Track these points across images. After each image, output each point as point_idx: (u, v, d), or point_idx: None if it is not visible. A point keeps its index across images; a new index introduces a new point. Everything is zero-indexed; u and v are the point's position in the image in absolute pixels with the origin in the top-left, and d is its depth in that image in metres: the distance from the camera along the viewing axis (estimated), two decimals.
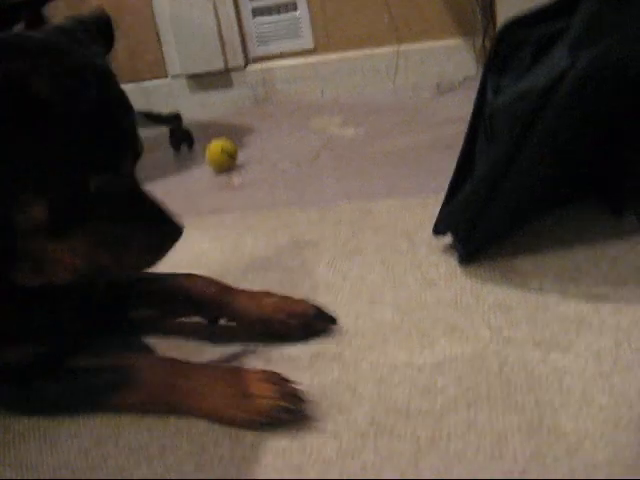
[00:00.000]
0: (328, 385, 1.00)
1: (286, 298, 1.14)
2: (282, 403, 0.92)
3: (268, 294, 1.15)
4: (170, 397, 0.96)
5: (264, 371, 0.97)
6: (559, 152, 1.13)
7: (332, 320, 1.14)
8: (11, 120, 0.81)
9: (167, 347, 1.15)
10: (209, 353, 1.12)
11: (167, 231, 0.97)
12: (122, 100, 0.94)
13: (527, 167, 1.09)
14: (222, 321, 1.16)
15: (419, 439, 0.87)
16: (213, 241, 1.58)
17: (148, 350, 1.16)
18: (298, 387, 0.95)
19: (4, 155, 0.82)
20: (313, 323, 1.12)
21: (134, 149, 0.95)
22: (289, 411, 0.92)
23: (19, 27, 2.36)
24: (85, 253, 0.92)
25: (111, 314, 1.14)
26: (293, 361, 1.07)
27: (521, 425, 0.86)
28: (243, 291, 1.16)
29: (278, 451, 0.88)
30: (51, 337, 1.02)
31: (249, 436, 0.92)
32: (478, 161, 1.18)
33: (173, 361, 1.01)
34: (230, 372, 0.99)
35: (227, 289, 1.16)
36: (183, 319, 1.21)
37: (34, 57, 0.83)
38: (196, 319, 1.18)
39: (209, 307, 1.15)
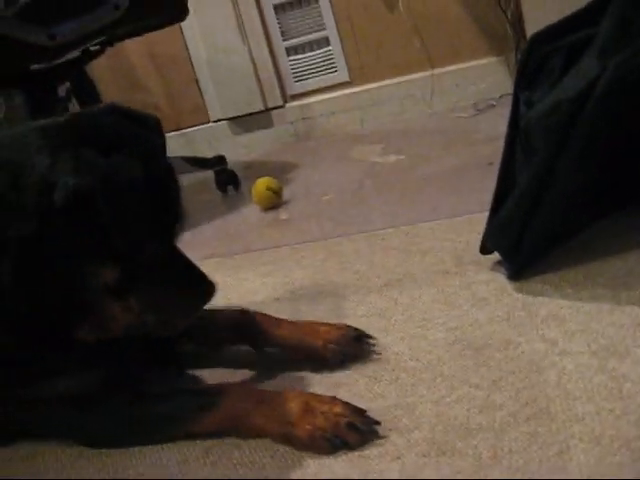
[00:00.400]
0: (386, 409, 1.01)
1: (327, 324, 1.20)
2: (349, 419, 0.95)
3: (310, 322, 1.21)
4: (245, 419, 1.00)
5: (329, 396, 1.00)
6: (597, 160, 1.13)
7: (371, 338, 1.19)
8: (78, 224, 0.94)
9: (215, 378, 1.20)
10: (258, 382, 1.14)
11: (202, 291, 1.07)
12: (172, 181, 1.07)
13: (567, 177, 1.10)
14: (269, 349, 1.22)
15: (480, 456, 0.87)
16: (264, 277, 1.60)
17: (198, 381, 1.20)
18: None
19: (75, 242, 0.96)
20: (352, 346, 1.16)
21: (179, 220, 1.07)
22: (356, 429, 0.94)
23: (64, 88, 2.46)
24: (137, 312, 1.03)
25: (160, 350, 1.21)
26: (350, 386, 1.08)
27: (583, 435, 0.86)
28: (286, 320, 1.22)
29: (340, 476, 0.89)
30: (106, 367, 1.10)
31: (312, 465, 0.93)
32: (518, 175, 1.18)
33: (243, 386, 1.08)
34: (297, 395, 1.01)
35: (271, 319, 1.22)
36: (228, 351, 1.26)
37: (102, 173, 0.94)
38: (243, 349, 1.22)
39: (255, 338, 1.22)
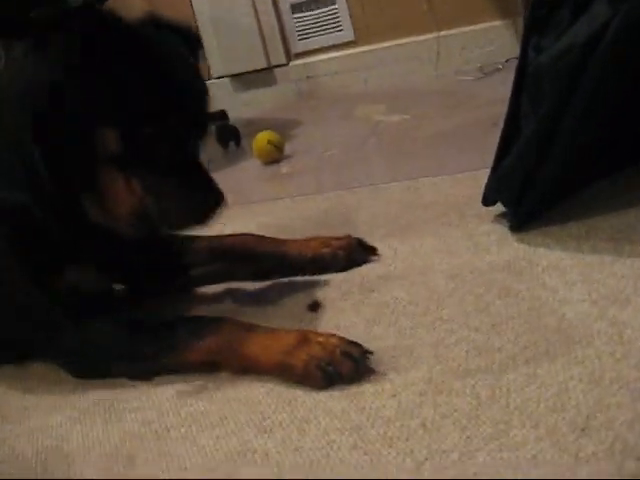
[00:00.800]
0: (384, 349, 1.00)
1: (330, 237, 1.31)
2: (345, 348, 0.94)
3: (314, 237, 1.32)
4: (239, 347, 1.00)
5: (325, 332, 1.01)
6: (606, 108, 1.11)
7: (373, 250, 1.30)
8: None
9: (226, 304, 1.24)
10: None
11: (212, 197, 1.07)
12: (194, 77, 1.10)
13: (574, 125, 1.08)
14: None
15: (478, 395, 0.86)
16: (263, 228, 1.59)
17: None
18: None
19: (90, 95, 1.00)
20: (357, 252, 1.28)
21: (199, 127, 1.10)
22: (351, 358, 0.94)
23: None
24: (139, 196, 1.03)
25: (171, 272, 1.29)
26: (348, 329, 1.08)
27: (582, 377, 0.85)
28: (293, 240, 1.31)
29: (337, 413, 0.89)
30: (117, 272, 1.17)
31: (307, 401, 0.93)
32: (523, 124, 1.17)
33: (236, 321, 1.05)
34: (293, 330, 1.02)
35: (280, 241, 1.31)
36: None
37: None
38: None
39: (267, 258, 1.29)
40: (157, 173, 1.03)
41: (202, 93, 1.10)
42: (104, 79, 1.00)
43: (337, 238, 1.30)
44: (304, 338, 0.97)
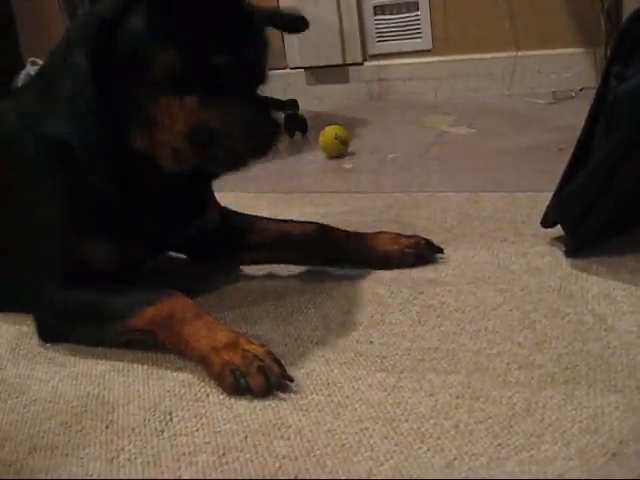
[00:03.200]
0: (426, 350, 1.02)
1: (398, 233, 1.34)
2: (264, 364, 0.95)
3: (384, 232, 1.35)
4: (177, 324, 1.02)
5: (261, 343, 1.00)
6: None
7: (440, 250, 1.32)
8: None
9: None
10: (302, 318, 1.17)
11: (271, 127, 1.10)
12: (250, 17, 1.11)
13: None
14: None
15: (514, 406, 0.87)
16: (320, 219, 1.60)
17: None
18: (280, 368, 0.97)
19: (149, 25, 1.05)
20: (424, 252, 1.31)
21: (257, 53, 1.12)
22: (265, 376, 0.94)
23: None
24: (197, 113, 1.06)
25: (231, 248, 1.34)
26: (394, 326, 1.10)
27: (619, 404, 0.86)
28: (362, 233, 1.34)
29: (373, 403, 0.91)
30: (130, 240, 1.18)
31: (346, 387, 0.95)
32: (595, 150, 1.17)
33: (188, 302, 1.06)
34: (233, 332, 1.01)
35: (350, 233, 1.34)
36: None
37: None
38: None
39: (335, 248, 1.32)
40: (217, 93, 1.05)
41: (265, 43, 1.14)
42: (171, 3, 1.04)
43: (406, 236, 1.33)
44: (234, 342, 0.98)
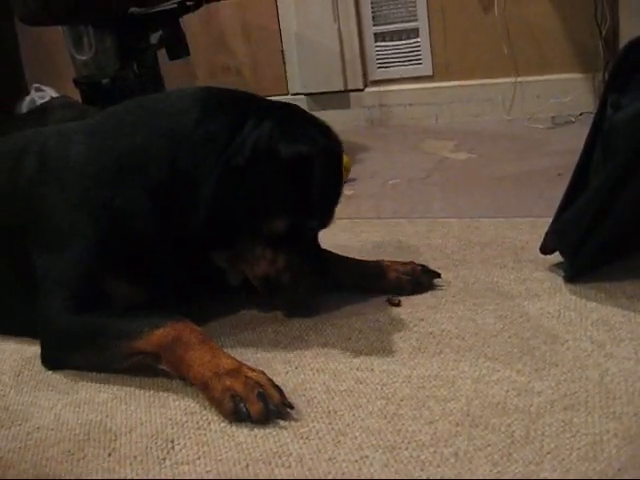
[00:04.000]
0: (426, 378, 1.02)
1: (394, 261, 1.36)
2: (265, 391, 0.96)
3: (380, 260, 1.37)
4: (182, 348, 1.04)
5: (262, 370, 1.02)
6: None
7: (437, 275, 1.34)
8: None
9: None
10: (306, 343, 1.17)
11: (321, 281, 1.26)
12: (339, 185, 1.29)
13: None
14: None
15: (513, 434, 0.88)
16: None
17: None
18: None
19: (273, 189, 1.18)
20: (421, 278, 1.32)
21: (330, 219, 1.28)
22: (265, 403, 0.95)
23: (156, 36, 2.51)
24: (278, 269, 1.21)
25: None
26: (394, 353, 1.10)
27: (618, 432, 0.86)
28: (361, 261, 1.37)
29: (373, 431, 0.91)
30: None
31: (346, 415, 0.95)
32: (593, 176, 1.18)
33: (194, 327, 1.08)
34: (236, 361, 1.03)
35: (347, 258, 1.37)
36: None
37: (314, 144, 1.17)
38: None
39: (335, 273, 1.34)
40: (291, 254, 1.21)
41: (338, 199, 1.29)
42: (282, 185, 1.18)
43: (402, 263, 1.35)
44: (237, 369, 1.00)
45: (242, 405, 0.95)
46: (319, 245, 1.30)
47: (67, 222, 1.19)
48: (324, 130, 1.24)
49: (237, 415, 0.96)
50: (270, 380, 0.99)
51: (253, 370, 1.00)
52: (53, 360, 1.17)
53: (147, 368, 1.09)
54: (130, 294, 1.19)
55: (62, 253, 1.18)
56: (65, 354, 1.16)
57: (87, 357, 1.14)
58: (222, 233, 1.19)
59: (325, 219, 1.27)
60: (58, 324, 1.15)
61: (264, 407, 0.95)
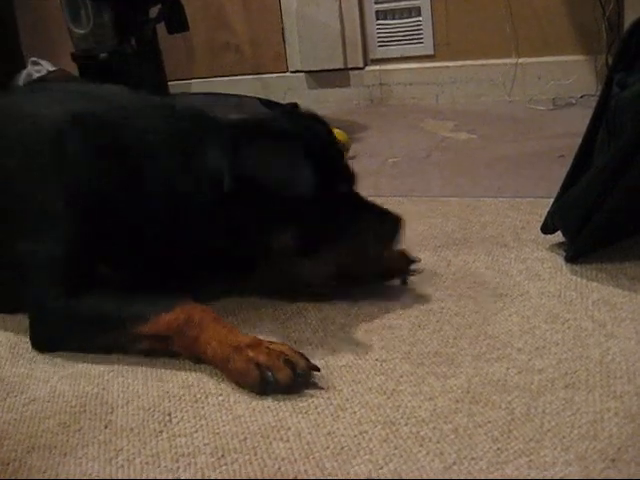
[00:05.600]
0: (426, 354, 1.02)
1: None
2: (290, 357, 0.96)
3: None
4: (195, 329, 1.02)
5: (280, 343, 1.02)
6: None
7: (414, 261, 1.31)
8: None
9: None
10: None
11: (393, 223, 1.22)
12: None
13: None
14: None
15: (513, 411, 0.87)
16: None
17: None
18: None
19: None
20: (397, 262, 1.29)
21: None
22: (292, 367, 0.95)
23: (155, 10, 2.49)
24: (329, 264, 1.19)
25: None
26: (394, 329, 1.10)
27: (618, 411, 0.86)
28: None
29: (372, 406, 0.91)
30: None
31: (345, 391, 0.95)
32: (597, 156, 1.17)
33: (205, 308, 1.06)
34: (251, 335, 1.02)
35: None
36: None
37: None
38: None
39: None
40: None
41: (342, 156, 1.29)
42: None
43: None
44: (256, 342, 0.99)
45: (269, 374, 0.94)
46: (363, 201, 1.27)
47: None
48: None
49: (264, 383, 0.95)
50: (292, 348, 0.98)
51: (272, 342, 1.00)
52: (47, 343, 1.14)
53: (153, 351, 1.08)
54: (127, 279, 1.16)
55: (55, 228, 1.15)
56: (60, 339, 1.13)
57: (85, 342, 1.12)
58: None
59: (346, 172, 1.25)
60: (52, 308, 1.12)
61: (291, 373, 0.94)
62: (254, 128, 1.16)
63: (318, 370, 0.96)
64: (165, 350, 1.06)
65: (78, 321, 1.12)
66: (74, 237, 1.13)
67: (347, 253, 1.19)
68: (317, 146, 1.17)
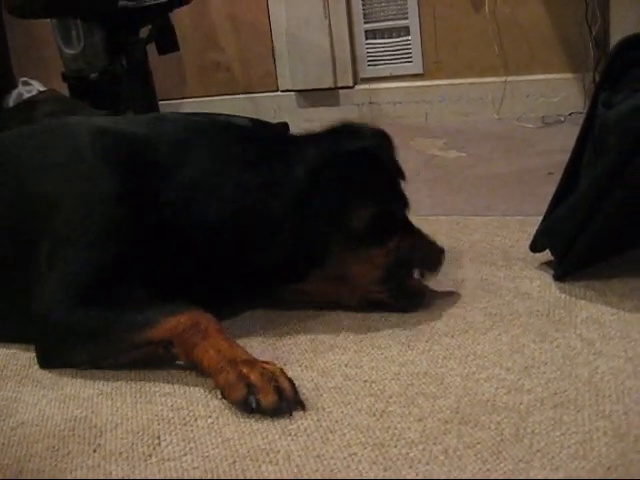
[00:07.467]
0: (415, 375, 1.02)
1: None
2: (280, 384, 0.96)
3: None
4: (196, 337, 1.03)
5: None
6: None
7: None
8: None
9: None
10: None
11: (438, 255, 1.26)
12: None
13: (635, 181, 1.09)
14: None
15: (502, 432, 0.87)
16: None
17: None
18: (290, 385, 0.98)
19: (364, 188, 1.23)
20: None
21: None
22: (279, 394, 0.95)
23: (146, 30, 2.50)
24: (395, 252, 1.22)
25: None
26: (383, 350, 1.10)
27: (607, 430, 0.86)
28: None
29: (362, 428, 0.91)
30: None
31: (335, 412, 0.95)
32: (583, 176, 1.18)
33: (210, 317, 1.07)
34: (250, 355, 1.03)
35: None
36: None
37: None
38: None
39: None
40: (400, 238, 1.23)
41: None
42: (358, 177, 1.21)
43: None
44: (253, 361, 1.00)
45: (252, 397, 0.94)
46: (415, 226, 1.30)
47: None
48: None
49: (246, 404, 0.95)
50: (285, 375, 0.98)
51: (268, 363, 1.01)
52: (53, 357, 1.14)
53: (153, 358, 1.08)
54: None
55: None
56: (67, 349, 1.12)
57: (92, 350, 1.11)
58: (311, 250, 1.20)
59: (405, 199, 1.29)
60: (61, 317, 1.11)
61: (277, 399, 0.94)
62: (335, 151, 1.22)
63: (303, 408, 0.95)
64: (166, 355, 1.06)
65: (85, 328, 1.11)
66: (107, 252, 1.14)
67: (392, 274, 1.22)
68: (387, 164, 1.26)
